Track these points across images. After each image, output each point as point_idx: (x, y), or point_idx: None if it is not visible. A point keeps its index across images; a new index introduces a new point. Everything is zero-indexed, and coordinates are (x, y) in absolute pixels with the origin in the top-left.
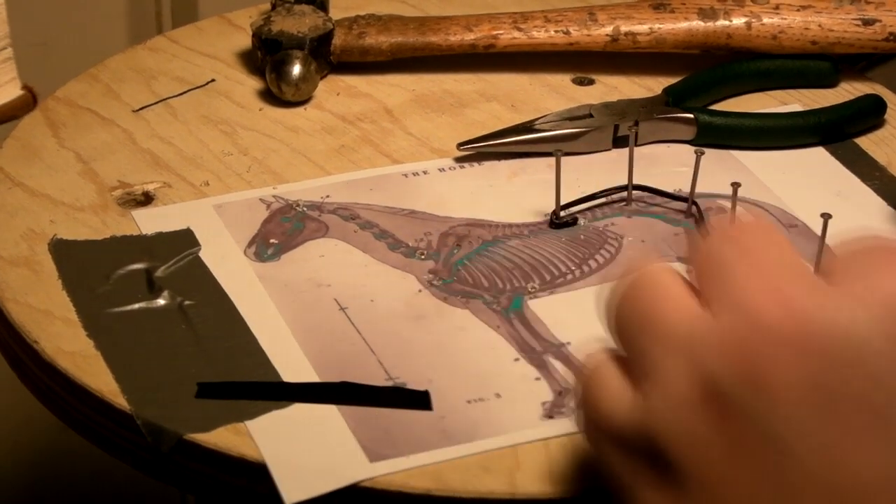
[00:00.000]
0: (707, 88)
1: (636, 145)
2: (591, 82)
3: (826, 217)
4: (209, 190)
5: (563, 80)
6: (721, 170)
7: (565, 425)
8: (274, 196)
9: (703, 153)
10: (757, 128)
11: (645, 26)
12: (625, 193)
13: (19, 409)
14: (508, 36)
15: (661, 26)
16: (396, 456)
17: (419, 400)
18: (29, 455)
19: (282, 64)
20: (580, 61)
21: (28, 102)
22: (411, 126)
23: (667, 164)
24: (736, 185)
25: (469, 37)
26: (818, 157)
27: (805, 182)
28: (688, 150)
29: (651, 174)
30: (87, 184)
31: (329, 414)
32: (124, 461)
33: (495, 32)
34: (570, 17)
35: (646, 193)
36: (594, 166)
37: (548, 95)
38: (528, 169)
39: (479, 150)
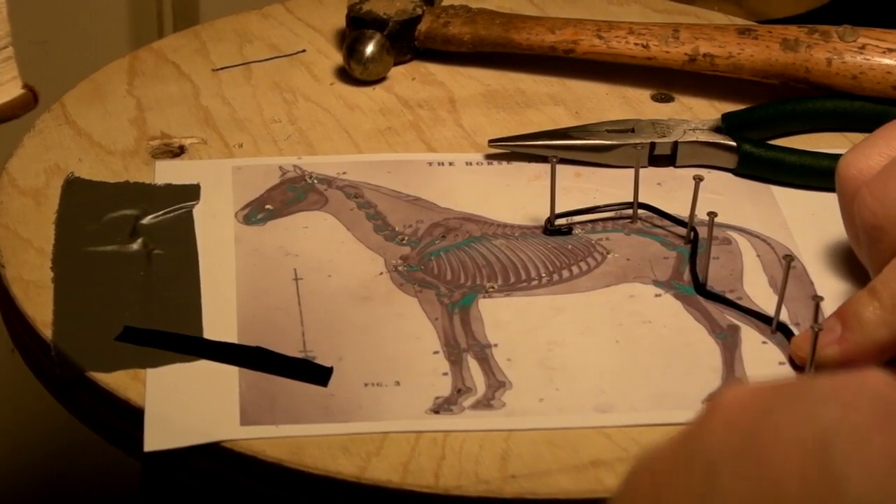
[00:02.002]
0: (773, 121)
1: (675, 166)
2: (671, 100)
3: (788, 259)
4: (240, 152)
5: (642, 94)
6: (748, 202)
7: (447, 422)
8: (294, 165)
9: (701, 179)
10: (797, 165)
11: (725, 49)
12: (631, 211)
13: (29, 404)
14: (588, 42)
15: (740, 51)
16: (268, 423)
17: (318, 375)
18: (39, 449)
19: (356, 42)
20: (664, 78)
21: (29, 101)
22: (465, 118)
23: (699, 189)
24: (712, 215)
25: (550, 39)
26: None
27: (828, 226)
28: (727, 178)
29: (676, 197)
30: (131, 130)
31: (229, 374)
32: (46, 387)
33: (576, 38)
34: (653, 31)
35: (655, 214)
36: (620, 181)
37: (619, 107)
38: None
39: (511, 150)
